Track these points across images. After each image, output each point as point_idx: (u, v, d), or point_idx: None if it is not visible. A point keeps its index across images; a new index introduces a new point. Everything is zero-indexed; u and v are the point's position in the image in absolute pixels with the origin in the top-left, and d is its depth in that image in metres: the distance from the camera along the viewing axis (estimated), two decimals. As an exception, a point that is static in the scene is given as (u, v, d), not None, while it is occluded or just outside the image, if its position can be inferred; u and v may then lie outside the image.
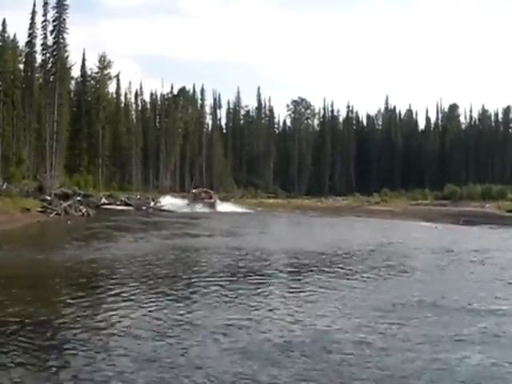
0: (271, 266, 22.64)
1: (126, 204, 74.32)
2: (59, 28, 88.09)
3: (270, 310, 13.99)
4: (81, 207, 58.10)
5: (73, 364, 10.09)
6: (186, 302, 15.19)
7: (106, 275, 19.97)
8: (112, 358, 10.29)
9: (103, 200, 72.70)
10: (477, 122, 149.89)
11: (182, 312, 13.79)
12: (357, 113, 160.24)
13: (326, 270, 21.12)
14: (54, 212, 53.16)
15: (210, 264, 23.29)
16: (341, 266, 22.34)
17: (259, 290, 16.82)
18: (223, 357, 10.19)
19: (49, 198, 58.32)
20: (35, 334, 11.99)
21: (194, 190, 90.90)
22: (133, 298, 15.73)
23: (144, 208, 72.65)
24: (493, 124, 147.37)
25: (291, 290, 17.02)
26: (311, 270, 21.31)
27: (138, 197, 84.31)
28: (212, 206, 77.83)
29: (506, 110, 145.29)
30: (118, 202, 74.77)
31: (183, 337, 11.53)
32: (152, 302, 15.18)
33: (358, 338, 11.33)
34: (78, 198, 62.11)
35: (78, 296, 16.06)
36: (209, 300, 15.43)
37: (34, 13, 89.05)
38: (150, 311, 13.93)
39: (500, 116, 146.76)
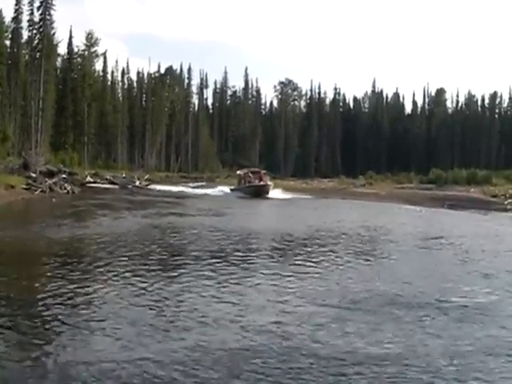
0: (251, 249, 22.27)
1: (111, 182, 74.31)
2: (46, 4, 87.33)
3: (240, 299, 13.57)
4: (66, 185, 57.91)
5: (48, 340, 10.17)
6: (158, 284, 14.86)
7: (87, 253, 20.00)
8: (78, 342, 10.23)
9: (88, 178, 72.68)
10: (463, 106, 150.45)
11: (151, 297, 13.56)
12: (344, 95, 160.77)
13: (304, 255, 20.55)
14: (39, 189, 52.98)
15: (190, 244, 23.20)
16: (322, 251, 22.01)
17: (234, 276, 16.35)
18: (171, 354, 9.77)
19: (34, 175, 58.00)
20: (10, 309, 12.00)
21: (239, 172, 75.06)
22: (109, 277, 15.66)
23: (129, 187, 72.52)
24: (479, 109, 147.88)
25: (262, 277, 16.44)
26: (291, 255, 20.94)
27: (124, 175, 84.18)
28: (263, 189, 62.42)
29: (493, 96, 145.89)
30: (103, 181, 74.71)
31: (148, 325, 11.24)
32: (125, 282, 15.08)
33: (317, 343, 10.38)
34: (63, 176, 61.94)
35: (57, 273, 16.06)
36: (180, 284, 15.20)
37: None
38: (119, 293, 13.83)
39: (486, 102, 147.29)
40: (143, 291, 14.10)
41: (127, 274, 16.17)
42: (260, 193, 60.84)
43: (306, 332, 11.05)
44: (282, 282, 15.82)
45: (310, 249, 22.50)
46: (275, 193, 62.68)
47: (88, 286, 14.43)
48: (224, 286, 15.05)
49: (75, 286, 14.43)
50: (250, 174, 67.51)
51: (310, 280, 16.28)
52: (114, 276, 15.87)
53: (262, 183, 64.26)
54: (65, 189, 56.58)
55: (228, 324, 11.37)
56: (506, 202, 53.06)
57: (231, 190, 69.55)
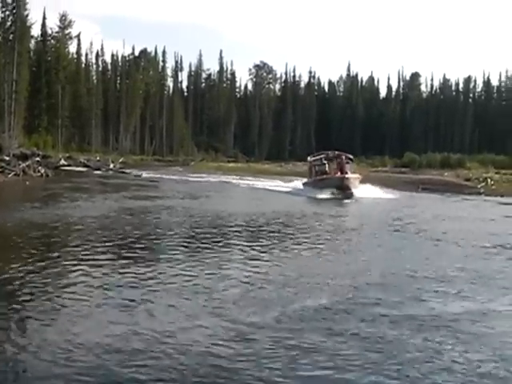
0: (219, 233, 22.04)
1: (86, 165, 74.07)
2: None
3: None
4: (39, 168, 57.58)
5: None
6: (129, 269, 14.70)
7: (61, 236, 19.88)
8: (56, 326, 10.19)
9: (62, 161, 72.26)
10: (437, 91, 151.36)
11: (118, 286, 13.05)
12: (319, 78, 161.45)
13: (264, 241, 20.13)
14: (12, 172, 52.62)
15: (163, 226, 23.38)
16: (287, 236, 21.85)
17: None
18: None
19: (7, 158, 57.60)
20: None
21: (310, 158, 52.23)
22: (83, 260, 15.59)
23: (103, 170, 72.19)
24: (453, 93, 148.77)
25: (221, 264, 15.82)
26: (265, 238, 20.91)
27: (98, 158, 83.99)
28: (343, 184, 41.54)
29: (467, 80, 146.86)
30: (78, 164, 74.43)
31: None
32: (97, 265, 14.96)
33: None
34: (37, 159, 61.50)
35: (30, 256, 15.97)
36: (151, 267, 15.07)
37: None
38: (91, 276, 13.74)
39: (461, 86, 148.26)
40: (109, 276, 13.94)
41: (96, 259, 15.98)
42: (338, 190, 40.99)
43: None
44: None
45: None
46: (366, 189, 43.26)
47: (55, 271, 14.33)
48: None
49: (40, 270, 14.32)
50: (324, 161, 47.59)
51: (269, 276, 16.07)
52: (86, 260, 15.72)
53: (339, 175, 43.76)
54: (38, 172, 56.28)
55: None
56: (479, 186, 53.47)
57: (303, 184, 48.44)
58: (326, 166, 46.52)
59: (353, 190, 41.20)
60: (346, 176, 42.85)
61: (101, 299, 11.84)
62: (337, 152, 48.74)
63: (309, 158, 52.24)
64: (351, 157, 48.87)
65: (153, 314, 10.79)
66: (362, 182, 44.87)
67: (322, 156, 49.13)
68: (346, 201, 39.09)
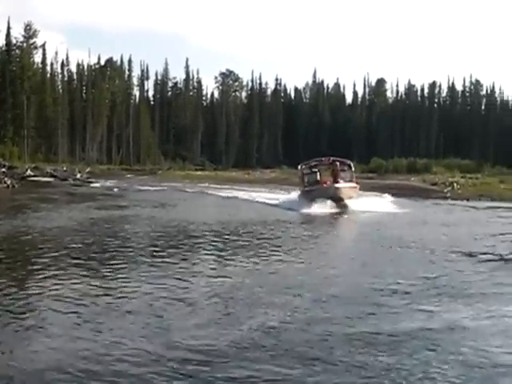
0: (186, 245, 21.62)
1: (52, 176, 73.61)
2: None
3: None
4: (5, 179, 57.19)
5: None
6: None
7: (23, 249, 19.67)
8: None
9: (29, 172, 71.81)
10: (403, 96, 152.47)
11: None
12: (285, 86, 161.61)
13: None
14: (-22, 184, 52.34)
15: (127, 237, 23.17)
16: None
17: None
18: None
19: (-28, 169, 57.30)
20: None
21: (301, 166, 43.57)
22: (47, 272, 15.38)
23: (70, 180, 71.80)
24: (419, 99, 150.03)
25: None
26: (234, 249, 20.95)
27: (65, 169, 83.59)
28: (334, 195, 35.62)
29: (432, 85, 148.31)
30: (44, 174, 73.98)
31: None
32: (54, 278, 14.67)
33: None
34: (3, 170, 61.24)
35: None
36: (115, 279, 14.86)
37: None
38: (42, 289, 13.50)
39: (426, 91, 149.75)
40: (62, 289, 13.58)
41: (55, 271, 15.68)
42: (330, 202, 34.92)
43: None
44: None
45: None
46: (367, 200, 37.68)
47: (9, 285, 14.09)
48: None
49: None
50: (315, 169, 41.42)
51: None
52: (43, 272, 15.50)
53: (328, 184, 37.85)
54: (5, 183, 55.88)
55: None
56: (445, 190, 53.85)
57: (299, 196, 40.07)
58: (318, 174, 40.42)
59: (347, 202, 35.43)
60: (337, 185, 36.78)
61: (48, 314, 11.55)
62: (332, 158, 42.33)
63: (299, 167, 43.98)
64: (349, 162, 43.00)
65: (87, 336, 10.20)
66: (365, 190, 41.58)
67: (313, 163, 42.50)
68: (342, 216, 33.15)
